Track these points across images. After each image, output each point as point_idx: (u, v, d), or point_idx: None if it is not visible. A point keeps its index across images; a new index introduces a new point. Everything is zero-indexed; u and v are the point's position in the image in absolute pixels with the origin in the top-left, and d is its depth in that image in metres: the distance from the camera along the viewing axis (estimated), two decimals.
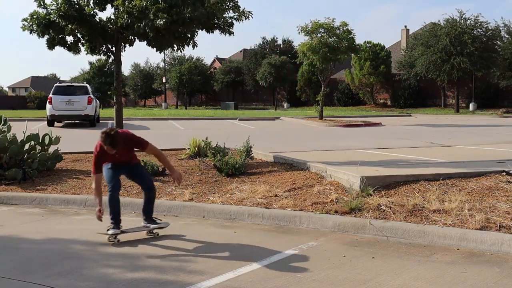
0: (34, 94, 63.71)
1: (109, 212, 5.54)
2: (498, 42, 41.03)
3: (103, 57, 10.65)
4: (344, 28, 24.43)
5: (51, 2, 9.40)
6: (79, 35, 9.82)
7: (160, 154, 5.85)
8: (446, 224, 5.52)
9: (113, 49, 10.05)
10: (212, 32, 9.84)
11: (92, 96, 22.56)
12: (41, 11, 9.44)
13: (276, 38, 65.29)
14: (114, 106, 10.36)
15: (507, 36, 42.69)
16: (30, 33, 9.59)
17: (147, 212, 5.76)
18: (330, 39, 24.37)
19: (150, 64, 77.37)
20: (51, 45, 9.89)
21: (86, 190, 7.90)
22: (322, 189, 7.13)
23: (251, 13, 9.87)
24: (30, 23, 9.46)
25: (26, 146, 9.28)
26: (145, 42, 9.80)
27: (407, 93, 48.30)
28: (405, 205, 6.09)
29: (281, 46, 62.49)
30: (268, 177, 8.19)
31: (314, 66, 25.75)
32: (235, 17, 9.77)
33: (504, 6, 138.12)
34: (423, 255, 4.93)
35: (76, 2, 9.44)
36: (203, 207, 6.80)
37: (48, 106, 22.29)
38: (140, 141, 5.67)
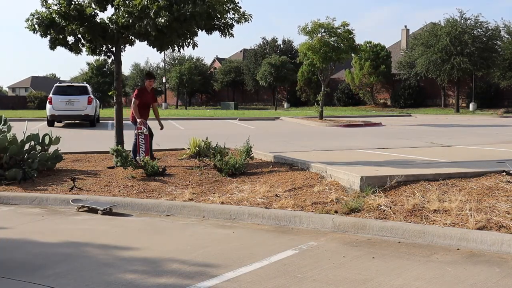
0: (34, 94, 63.69)
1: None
2: (498, 42, 41.07)
3: (104, 58, 10.65)
4: (345, 28, 24.46)
5: (53, 2, 9.40)
6: (79, 36, 9.81)
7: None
8: (446, 224, 5.52)
9: (113, 49, 10.04)
10: (211, 33, 9.83)
11: (92, 96, 22.58)
12: (44, 10, 9.44)
13: (276, 38, 65.39)
14: (114, 106, 10.35)
15: (507, 36, 42.72)
16: (34, 33, 9.59)
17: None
18: (331, 39, 24.40)
19: (150, 64, 77.48)
20: (53, 45, 9.88)
21: (86, 191, 7.90)
22: (322, 189, 7.13)
23: (251, 16, 9.85)
24: (32, 23, 9.45)
25: (26, 146, 9.29)
26: (146, 42, 9.79)
27: (407, 93, 48.33)
28: (405, 205, 6.09)
29: (281, 46, 62.51)
30: (268, 177, 8.19)
31: (314, 66, 25.77)
32: (235, 18, 9.74)
33: (502, 6, 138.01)
34: (423, 255, 4.93)
35: (76, 2, 9.43)
36: (203, 207, 6.80)
37: (48, 106, 22.31)
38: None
